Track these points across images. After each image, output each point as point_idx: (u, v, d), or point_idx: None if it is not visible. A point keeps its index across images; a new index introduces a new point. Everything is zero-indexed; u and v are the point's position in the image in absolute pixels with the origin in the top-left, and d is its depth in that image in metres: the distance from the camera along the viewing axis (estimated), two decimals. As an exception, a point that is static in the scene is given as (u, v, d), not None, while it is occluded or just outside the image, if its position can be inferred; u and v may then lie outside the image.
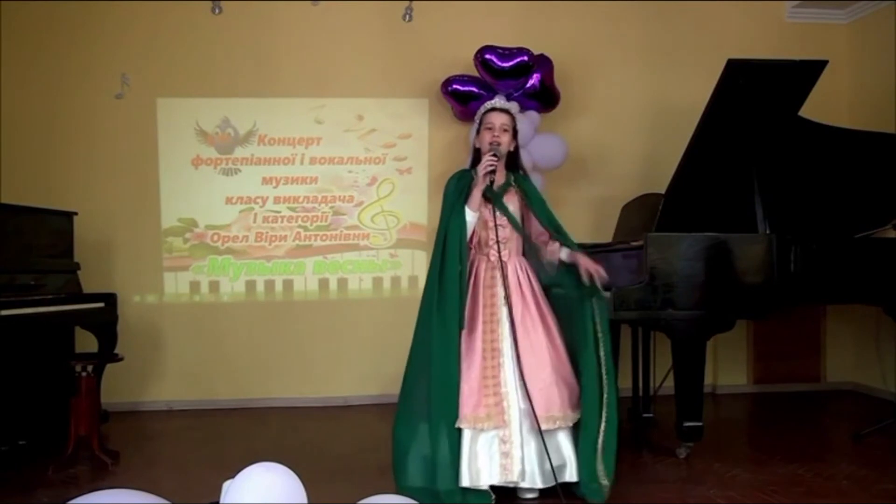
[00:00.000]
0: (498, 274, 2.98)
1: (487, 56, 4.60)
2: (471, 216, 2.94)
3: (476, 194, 2.95)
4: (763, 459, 3.49)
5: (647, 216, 4.08)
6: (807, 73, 3.59)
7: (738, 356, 5.26)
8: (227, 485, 2.02)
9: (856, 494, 2.97)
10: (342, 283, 5.06)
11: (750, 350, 5.28)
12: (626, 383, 4.39)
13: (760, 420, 4.63)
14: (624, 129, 5.19)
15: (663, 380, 4.17)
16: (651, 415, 4.24)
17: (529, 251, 3.11)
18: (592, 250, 4.34)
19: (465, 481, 2.77)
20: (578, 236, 4.74)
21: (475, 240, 3.06)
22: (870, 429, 3.87)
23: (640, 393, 4.26)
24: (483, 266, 3.02)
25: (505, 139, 3.01)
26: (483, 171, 2.93)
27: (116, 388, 4.58)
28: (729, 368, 5.25)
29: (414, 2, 4.97)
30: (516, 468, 2.78)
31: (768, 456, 3.54)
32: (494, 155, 2.95)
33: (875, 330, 4.83)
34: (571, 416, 2.90)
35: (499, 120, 3.02)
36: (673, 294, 3.44)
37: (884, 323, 4.42)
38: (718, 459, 3.47)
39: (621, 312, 3.45)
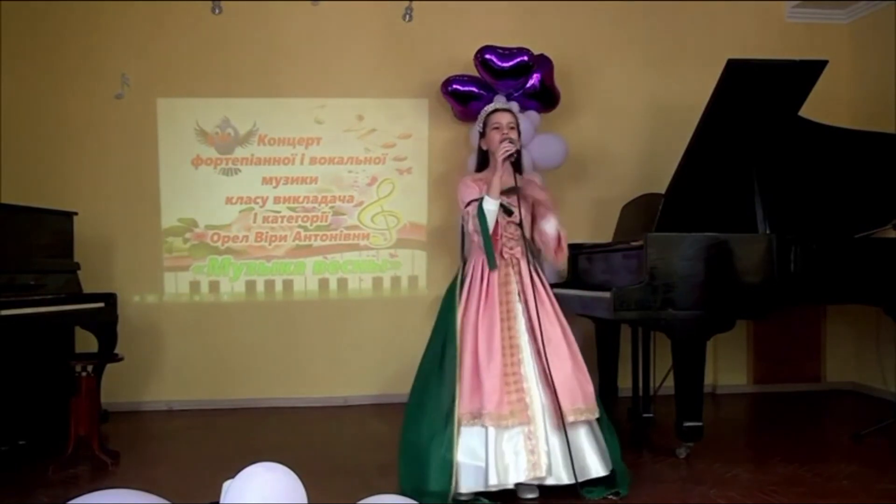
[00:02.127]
0: (512, 271, 3.02)
1: (487, 56, 4.60)
2: (492, 204, 2.93)
3: (496, 182, 2.94)
4: (763, 459, 3.49)
5: (647, 216, 4.08)
6: (807, 73, 3.58)
7: (738, 356, 5.25)
8: (227, 485, 2.02)
9: (856, 494, 2.97)
10: (342, 283, 5.06)
11: (750, 350, 5.28)
12: (626, 383, 4.40)
13: (760, 420, 4.63)
14: (624, 129, 5.19)
15: (663, 380, 4.17)
16: (651, 415, 4.23)
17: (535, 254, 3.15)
18: (592, 250, 4.38)
19: (493, 480, 2.76)
20: (578, 236, 4.81)
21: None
22: (870, 429, 3.87)
23: (640, 393, 4.26)
24: (497, 263, 3.03)
25: (514, 136, 3.03)
26: (502, 156, 2.93)
27: (116, 388, 4.58)
28: (729, 368, 5.25)
29: (414, 2, 4.97)
30: (543, 463, 2.79)
31: (768, 456, 3.54)
32: (511, 142, 2.96)
33: (875, 330, 4.83)
34: (595, 410, 2.95)
35: (505, 119, 3.06)
36: (673, 294, 3.44)
37: (884, 323, 4.41)
38: (718, 459, 3.47)
39: (621, 312, 3.45)
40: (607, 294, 3.48)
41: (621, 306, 3.44)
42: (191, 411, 4.80)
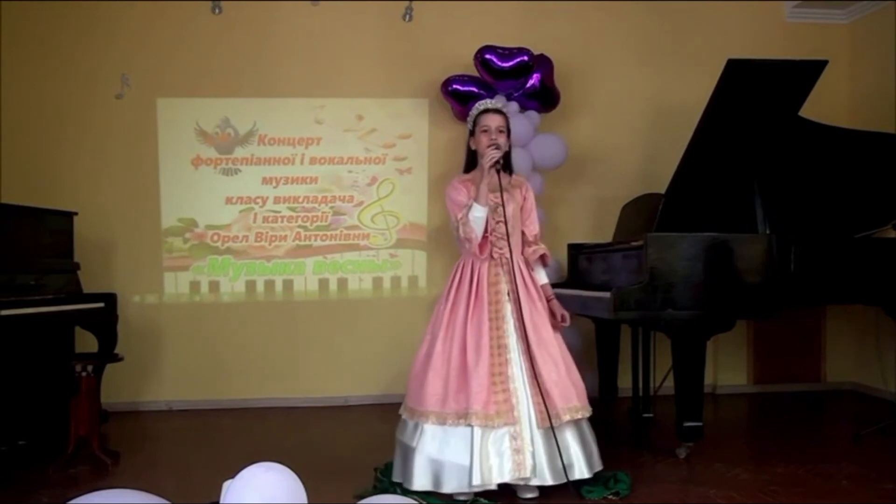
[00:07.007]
0: (502, 271, 3.01)
1: (487, 56, 4.60)
2: (481, 211, 2.94)
3: (483, 189, 2.94)
4: (763, 459, 3.49)
5: (647, 216, 4.08)
6: (807, 73, 3.58)
7: (738, 356, 5.25)
8: (227, 485, 2.02)
9: (856, 494, 2.97)
10: (342, 283, 5.06)
11: (750, 350, 5.28)
12: (626, 383, 4.40)
13: (760, 420, 4.63)
14: (624, 129, 5.19)
15: (663, 380, 4.17)
16: (651, 415, 4.23)
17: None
18: (592, 250, 4.38)
19: (476, 480, 2.77)
20: (578, 236, 4.81)
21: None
22: (870, 429, 3.87)
23: (640, 393, 4.26)
24: (487, 263, 3.03)
25: (502, 140, 3.02)
26: (488, 163, 2.93)
27: (116, 388, 4.59)
28: (729, 368, 5.24)
29: (414, 2, 4.97)
30: (528, 464, 2.79)
31: (768, 456, 3.54)
32: (498, 148, 2.96)
33: (875, 330, 4.83)
34: (588, 407, 2.97)
35: (494, 122, 3.04)
36: (673, 294, 3.44)
37: (884, 323, 4.42)
38: (718, 459, 3.47)
39: (621, 312, 3.45)
40: (607, 294, 3.48)
41: (621, 306, 3.43)
42: (190, 411, 4.80)
